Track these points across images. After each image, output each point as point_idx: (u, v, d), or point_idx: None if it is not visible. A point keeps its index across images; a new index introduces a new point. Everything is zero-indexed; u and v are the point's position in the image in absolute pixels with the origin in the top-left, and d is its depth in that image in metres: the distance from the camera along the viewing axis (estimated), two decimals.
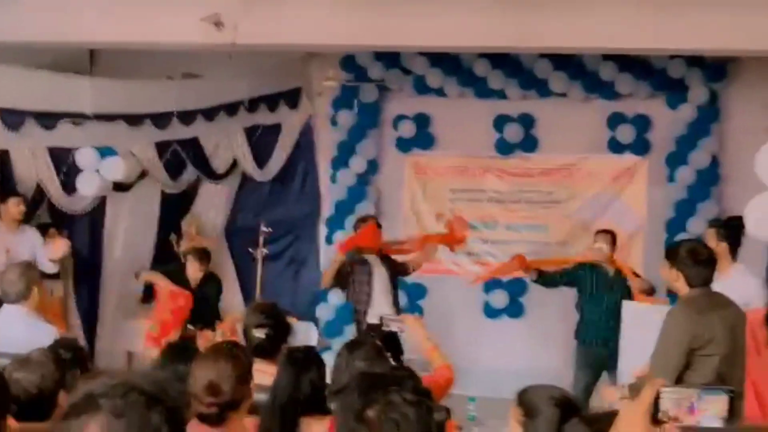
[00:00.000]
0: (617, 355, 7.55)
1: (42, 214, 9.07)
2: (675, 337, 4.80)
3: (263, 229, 9.66)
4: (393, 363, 4.63)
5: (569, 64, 9.64)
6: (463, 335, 9.68)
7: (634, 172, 10.02)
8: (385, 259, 8.39)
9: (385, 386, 2.61)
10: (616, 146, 9.96)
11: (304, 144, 10.63)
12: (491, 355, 9.79)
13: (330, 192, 10.49)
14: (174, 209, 10.14)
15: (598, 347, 7.83)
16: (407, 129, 10.29)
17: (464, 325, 9.99)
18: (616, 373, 7.59)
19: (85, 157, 8.66)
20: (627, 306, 7.50)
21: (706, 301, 4.92)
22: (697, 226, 9.14)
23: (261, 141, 10.29)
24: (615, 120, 9.92)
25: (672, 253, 5.06)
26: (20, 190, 8.55)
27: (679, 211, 9.59)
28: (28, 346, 3.97)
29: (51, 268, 8.33)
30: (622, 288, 7.91)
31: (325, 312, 10.07)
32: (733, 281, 6.15)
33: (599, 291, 7.93)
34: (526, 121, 10.13)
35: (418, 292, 9.99)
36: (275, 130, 10.41)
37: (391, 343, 5.54)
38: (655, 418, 2.71)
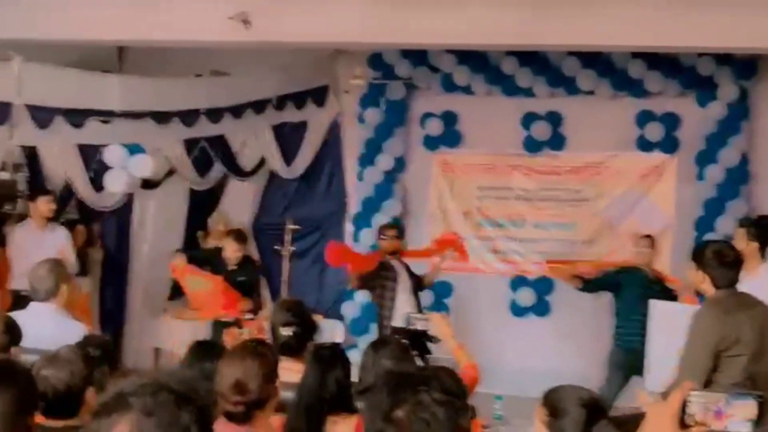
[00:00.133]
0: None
1: (70, 210, 9.14)
2: (702, 339, 4.77)
3: (290, 226, 9.68)
4: (419, 362, 4.63)
5: (597, 61, 9.59)
6: (489, 333, 9.66)
7: (663, 170, 9.95)
8: (409, 270, 8.43)
9: (414, 386, 2.59)
10: (644, 144, 9.90)
11: (332, 142, 10.64)
12: (518, 354, 9.74)
13: (357, 190, 10.49)
14: (201, 206, 10.19)
15: (635, 351, 7.54)
16: (434, 127, 10.27)
17: (491, 324, 9.97)
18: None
19: (113, 155, 8.71)
20: (654, 305, 7.43)
21: (732, 302, 4.88)
22: (726, 225, 9.07)
23: (288, 138, 10.31)
24: (644, 118, 9.86)
25: (698, 255, 5.02)
26: (49, 187, 8.62)
27: (709, 210, 9.52)
28: (56, 343, 3.98)
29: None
30: (661, 292, 7.84)
31: (350, 310, 10.08)
32: (762, 281, 6.08)
33: (639, 295, 7.83)
34: (554, 119, 10.08)
35: (444, 290, 9.97)
36: (302, 127, 10.42)
37: (418, 342, 5.54)
38: (683, 422, 2.68)
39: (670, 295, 7.77)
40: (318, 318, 5.70)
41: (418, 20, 7.24)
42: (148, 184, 9.23)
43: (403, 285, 8.28)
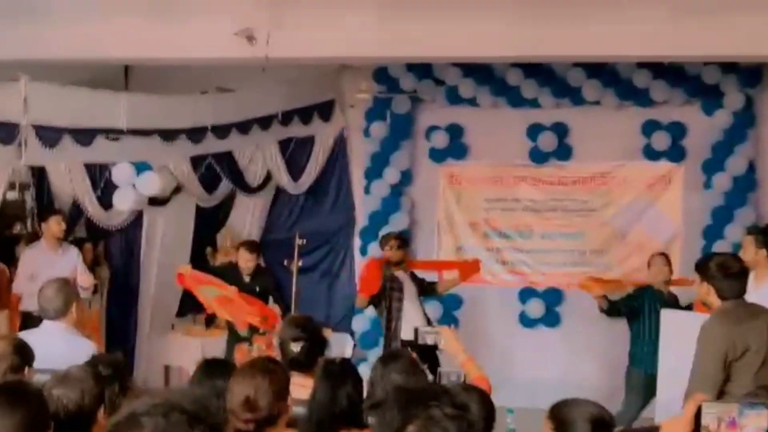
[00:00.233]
0: None
1: (78, 228, 9.15)
2: (711, 350, 4.76)
3: (298, 241, 9.68)
4: (429, 376, 4.62)
5: (602, 71, 9.60)
6: (499, 345, 9.66)
7: (670, 179, 9.95)
8: (413, 276, 8.42)
9: (424, 401, 2.59)
10: (651, 153, 9.89)
11: (338, 156, 10.66)
12: (528, 365, 9.73)
13: (364, 203, 10.50)
14: (209, 223, 10.20)
15: (654, 374, 7.31)
16: (440, 139, 10.28)
17: (501, 335, 9.97)
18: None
19: (121, 173, 8.73)
20: (666, 314, 7.39)
21: (740, 312, 4.88)
22: (734, 233, 9.07)
23: (295, 153, 10.34)
24: (650, 127, 9.86)
25: (702, 267, 5.02)
26: (57, 206, 8.63)
27: (716, 218, 9.52)
28: (67, 362, 3.99)
29: (83, 292, 8.35)
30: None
31: (360, 323, 10.08)
32: None
33: (657, 318, 7.54)
34: (560, 130, 10.09)
35: (453, 302, 9.97)
36: (309, 142, 10.45)
37: (428, 356, 5.53)
38: None
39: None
40: (327, 332, 5.68)
41: (422, 33, 7.25)
42: (156, 202, 9.24)
43: (409, 295, 8.29)
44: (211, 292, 8.05)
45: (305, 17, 7.34)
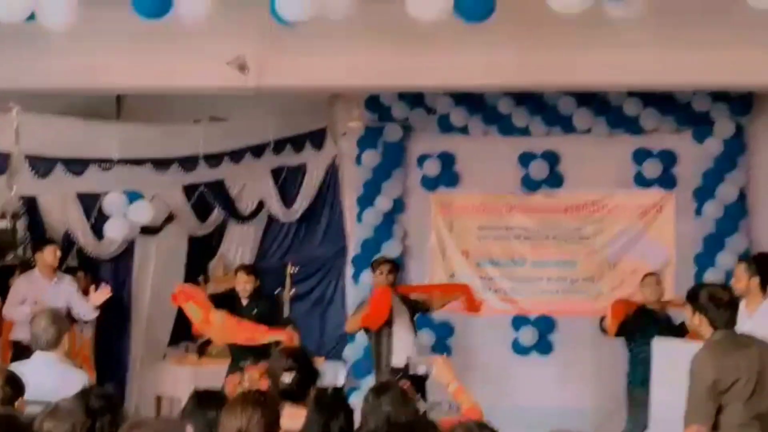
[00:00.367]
0: None
1: (70, 257, 9.13)
2: (701, 382, 4.76)
3: (290, 269, 9.68)
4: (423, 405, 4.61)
5: (593, 100, 9.64)
6: (492, 373, 9.63)
7: (662, 206, 9.98)
8: (405, 300, 8.38)
9: None
10: (642, 181, 9.93)
11: (330, 184, 10.67)
12: (521, 393, 9.71)
13: (356, 231, 10.50)
14: (201, 251, 10.19)
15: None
16: (432, 167, 10.30)
17: (493, 363, 9.95)
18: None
19: (112, 202, 8.73)
20: (657, 343, 7.40)
21: (729, 343, 4.89)
22: (726, 260, 9.10)
23: (287, 182, 10.37)
24: (641, 155, 9.90)
25: (693, 297, 5.03)
26: (48, 236, 8.61)
27: (708, 246, 9.55)
28: (59, 394, 3.98)
29: (92, 314, 8.34)
30: (668, 329, 7.79)
31: (352, 352, 10.05)
32: (764, 316, 6.09)
33: (651, 335, 7.59)
34: (551, 158, 10.11)
35: (445, 330, 9.96)
36: (301, 170, 10.48)
37: (418, 386, 5.52)
38: None
39: (678, 331, 7.68)
40: (319, 362, 5.68)
41: (413, 63, 7.27)
42: (148, 231, 9.24)
43: (400, 320, 8.21)
44: (194, 311, 7.86)
45: (297, 47, 7.34)
